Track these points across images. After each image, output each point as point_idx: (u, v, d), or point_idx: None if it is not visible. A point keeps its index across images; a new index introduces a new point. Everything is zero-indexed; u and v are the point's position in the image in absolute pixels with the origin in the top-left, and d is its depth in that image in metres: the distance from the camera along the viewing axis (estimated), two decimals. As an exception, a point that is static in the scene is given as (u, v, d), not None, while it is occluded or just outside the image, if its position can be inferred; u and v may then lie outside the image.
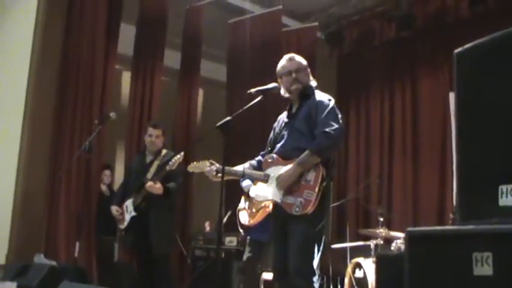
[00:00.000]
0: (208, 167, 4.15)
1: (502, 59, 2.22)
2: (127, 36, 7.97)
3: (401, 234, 6.40)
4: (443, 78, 8.82)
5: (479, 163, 2.26)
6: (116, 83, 8.22)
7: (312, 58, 8.89)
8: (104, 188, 7.77)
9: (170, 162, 5.37)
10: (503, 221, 2.06)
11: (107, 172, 7.92)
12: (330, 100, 3.95)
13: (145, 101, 8.07)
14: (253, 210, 5.30)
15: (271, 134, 4.30)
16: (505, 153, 2.14)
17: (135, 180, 5.85)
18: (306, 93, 4.06)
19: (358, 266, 6.54)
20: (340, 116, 3.91)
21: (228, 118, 3.81)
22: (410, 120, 9.41)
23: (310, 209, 3.67)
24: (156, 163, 5.81)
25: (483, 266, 2.03)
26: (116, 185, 8.02)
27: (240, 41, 9.35)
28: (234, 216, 5.70)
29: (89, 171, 6.80)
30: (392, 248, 6.43)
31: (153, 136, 5.92)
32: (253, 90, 4.05)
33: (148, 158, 5.97)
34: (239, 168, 4.20)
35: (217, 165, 4.12)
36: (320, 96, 4.01)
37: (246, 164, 4.26)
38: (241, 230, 5.53)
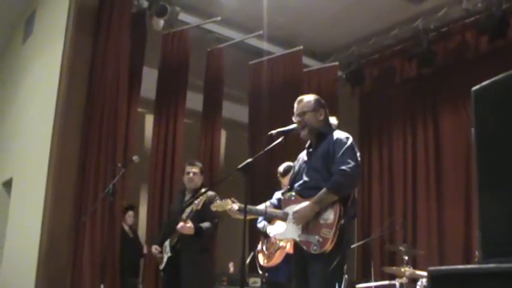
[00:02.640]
0: (230, 205, 4.18)
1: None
2: (149, 79, 8.09)
3: (426, 273, 6.32)
4: (466, 114, 8.76)
5: (500, 201, 2.25)
6: (139, 126, 8.32)
7: (334, 97, 8.95)
8: (126, 228, 7.80)
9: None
10: (525, 259, 2.04)
11: (131, 213, 7.96)
12: (347, 138, 3.96)
13: (168, 144, 8.12)
14: (271, 251, 5.32)
15: (292, 173, 4.33)
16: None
17: (174, 220, 5.85)
18: (321, 132, 4.08)
19: (384, 305, 6.47)
20: (358, 154, 3.92)
21: (249, 160, 3.84)
22: (434, 157, 9.33)
23: (328, 247, 3.67)
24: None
25: (506, 306, 2.00)
26: (140, 227, 8.06)
27: (261, 82, 9.42)
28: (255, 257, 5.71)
29: (113, 214, 6.82)
30: (418, 287, 6.35)
31: (191, 173, 5.97)
32: (273, 132, 4.07)
33: (187, 197, 5.98)
34: (261, 207, 4.23)
35: (239, 204, 4.14)
36: (337, 134, 4.02)
37: (267, 203, 4.31)
38: (260, 272, 5.54)
